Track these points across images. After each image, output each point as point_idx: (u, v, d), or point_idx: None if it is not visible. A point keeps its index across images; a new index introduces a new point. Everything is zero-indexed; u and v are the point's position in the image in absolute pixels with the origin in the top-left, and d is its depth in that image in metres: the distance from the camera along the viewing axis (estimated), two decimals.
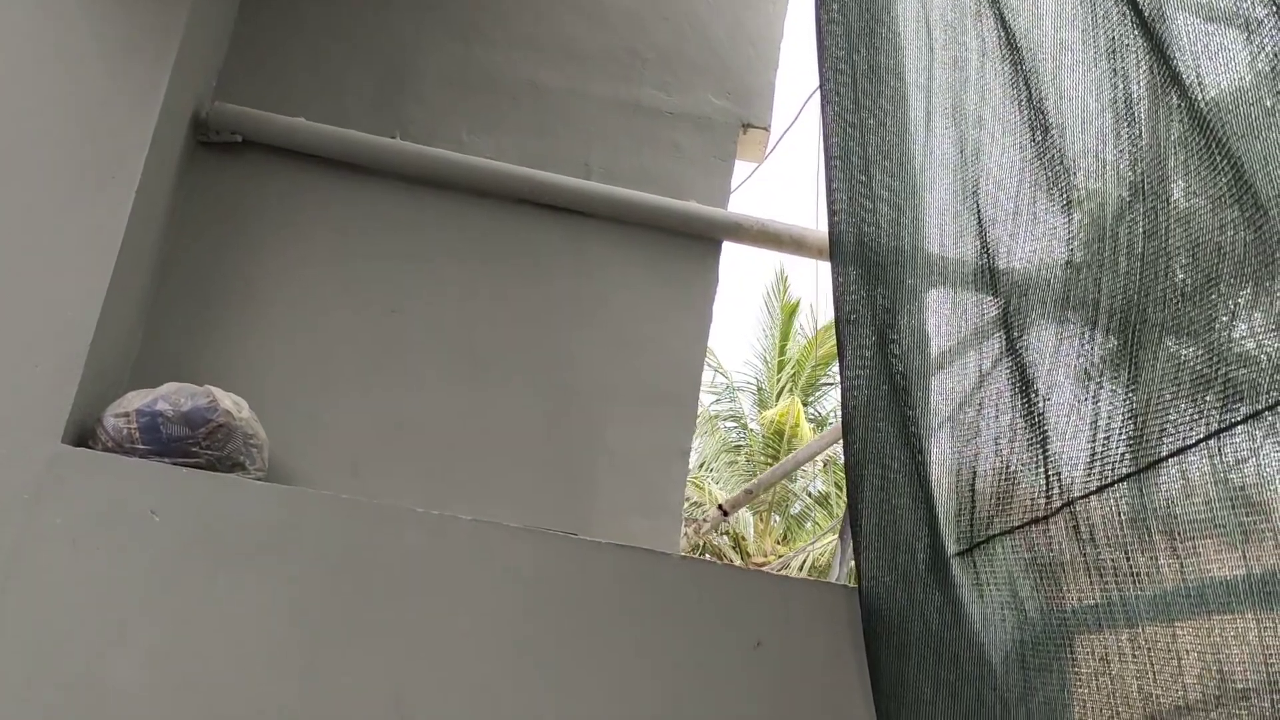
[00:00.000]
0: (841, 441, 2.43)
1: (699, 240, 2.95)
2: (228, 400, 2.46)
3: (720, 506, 3.71)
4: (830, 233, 2.44)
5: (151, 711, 2.16)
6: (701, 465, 17.68)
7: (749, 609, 2.37)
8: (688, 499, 15.03)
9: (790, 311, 18.34)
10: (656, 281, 2.91)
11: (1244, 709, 1.38)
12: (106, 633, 2.19)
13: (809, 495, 17.11)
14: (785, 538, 16.94)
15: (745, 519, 16.45)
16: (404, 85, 3.00)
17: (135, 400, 2.41)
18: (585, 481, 2.76)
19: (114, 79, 2.54)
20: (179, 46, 2.58)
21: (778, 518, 17.25)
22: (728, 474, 17.56)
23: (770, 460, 17.23)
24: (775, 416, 16.89)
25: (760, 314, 18.78)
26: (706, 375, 18.25)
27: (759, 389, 18.49)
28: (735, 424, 18.53)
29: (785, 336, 18.39)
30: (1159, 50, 1.54)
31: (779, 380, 18.04)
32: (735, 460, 17.77)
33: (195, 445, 2.39)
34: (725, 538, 16.26)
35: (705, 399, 18.50)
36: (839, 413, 2.52)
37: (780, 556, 15.31)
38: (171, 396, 2.41)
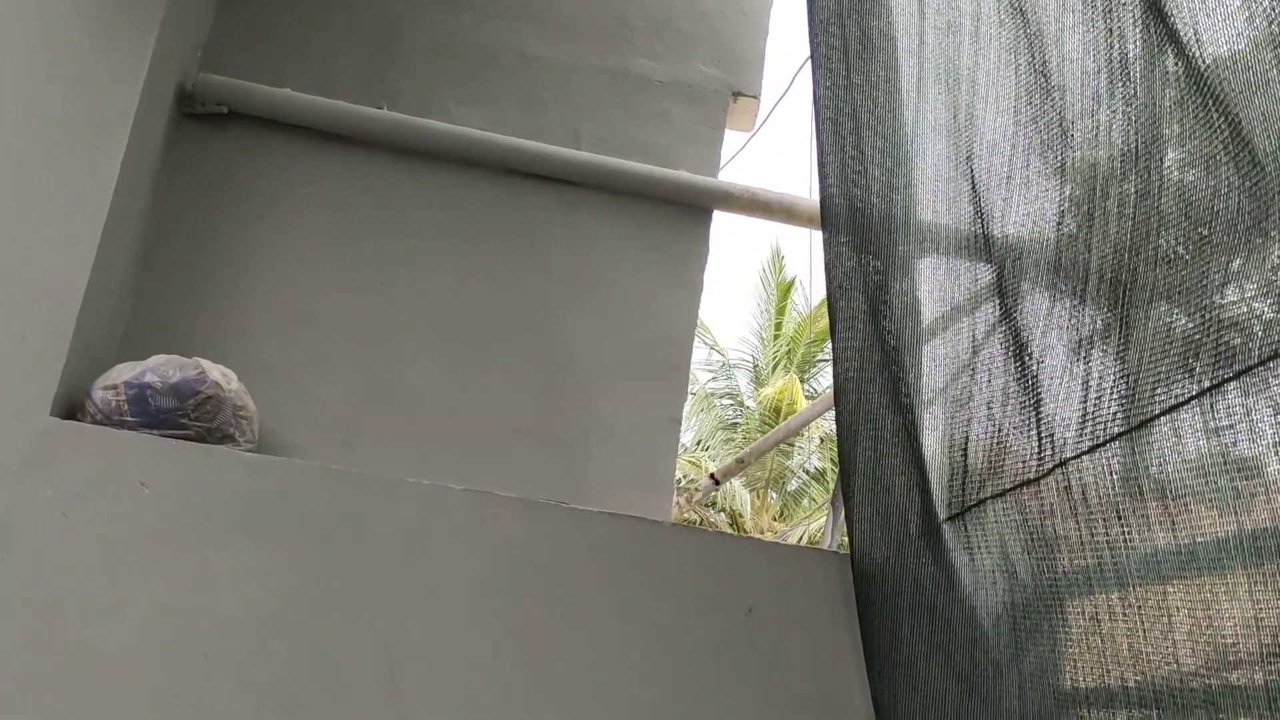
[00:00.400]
0: (833, 409, 2.42)
1: (690, 209, 2.94)
2: (216, 372, 2.45)
3: (712, 475, 3.72)
4: (822, 200, 2.44)
5: (143, 681, 2.17)
6: (698, 443, 17.71)
7: (741, 576, 2.37)
8: (685, 476, 15.08)
9: (786, 289, 18.34)
10: (647, 250, 2.90)
11: (1234, 663, 1.38)
12: (98, 603, 2.19)
13: (805, 472, 17.15)
14: (782, 514, 17.00)
15: (742, 496, 16.50)
16: (392, 56, 2.98)
17: (123, 372, 2.40)
18: (577, 452, 2.76)
19: (97, 51, 2.52)
20: (163, 17, 2.56)
21: (774, 494, 17.30)
22: (724, 451, 17.58)
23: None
24: (773, 394, 16.91)
25: (756, 291, 18.80)
26: (702, 353, 18.27)
27: (755, 366, 18.50)
28: (732, 401, 18.56)
29: (781, 313, 18.39)
30: (1157, 9, 1.52)
31: (775, 357, 18.05)
32: (732, 438, 17.80)
33: (184, 417, 2.38)
34: (722, 514, 16.32)
35: (701, 376, 18.53)
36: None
37: (777, 533, 15.37)
38: (160, 369, 2.40)
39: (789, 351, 17.90)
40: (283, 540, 2.28)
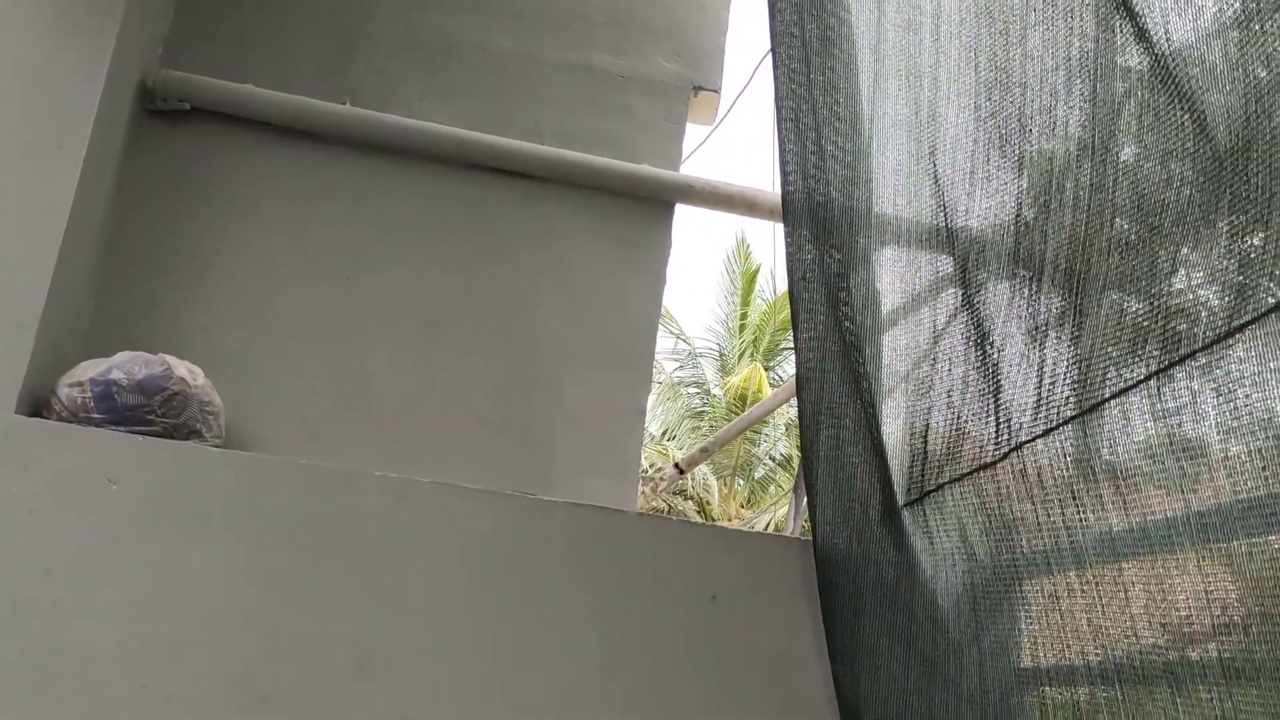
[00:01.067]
0: (795, 398, 2.46)
1: (652, 202, 2.96)
2: (182, 368, 2.45)
3: (676, 464, 3.75)
4: (783, 194, 2.47)
5: (113, 674, 2.17)
6: (664, 433, 17.76)
7: (704, 563, 2.40)
8: (652, 465, 15.12)
9: (751, 277, 18.41)
10: (610, 243, 2.92)
11: (1190, 637, 1.43)
12: (67, 599, 2.19)
13: (772, 459, 17.24)
14: (750, 500, 17.08)
15: (710, 484, 16.57)
16: (354, 51, 2.98)
17: (89, 370, 2.40)
18: (543, 442, 2.78)
19: (58, 48, 2.51)
20: (123, 14, 2.55)
21: (741, 481, 17.38)
22: (691, 439, 17.64)
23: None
24: (738, 382, 16.97)
25: (721, 280, 18.85)
26: (668, 342, 18.31)
27: (721, 355, 18.57)
28: (698, 390, 18.61)
29: (746, 302, 18.45)
30: (1125, 7, 1.56)
31: (740, 345, 18.12)
32: (699, 426, 17.86)
33: (151, 413, 2.38)
34: (690, 502, 16.38)
35: (668, 365, 18.58)
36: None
37: (744, 519, 15.46)
38: (125, 365, 2.40)
39: (755, 340, 17.98)
40: (251, 534, 2.29)
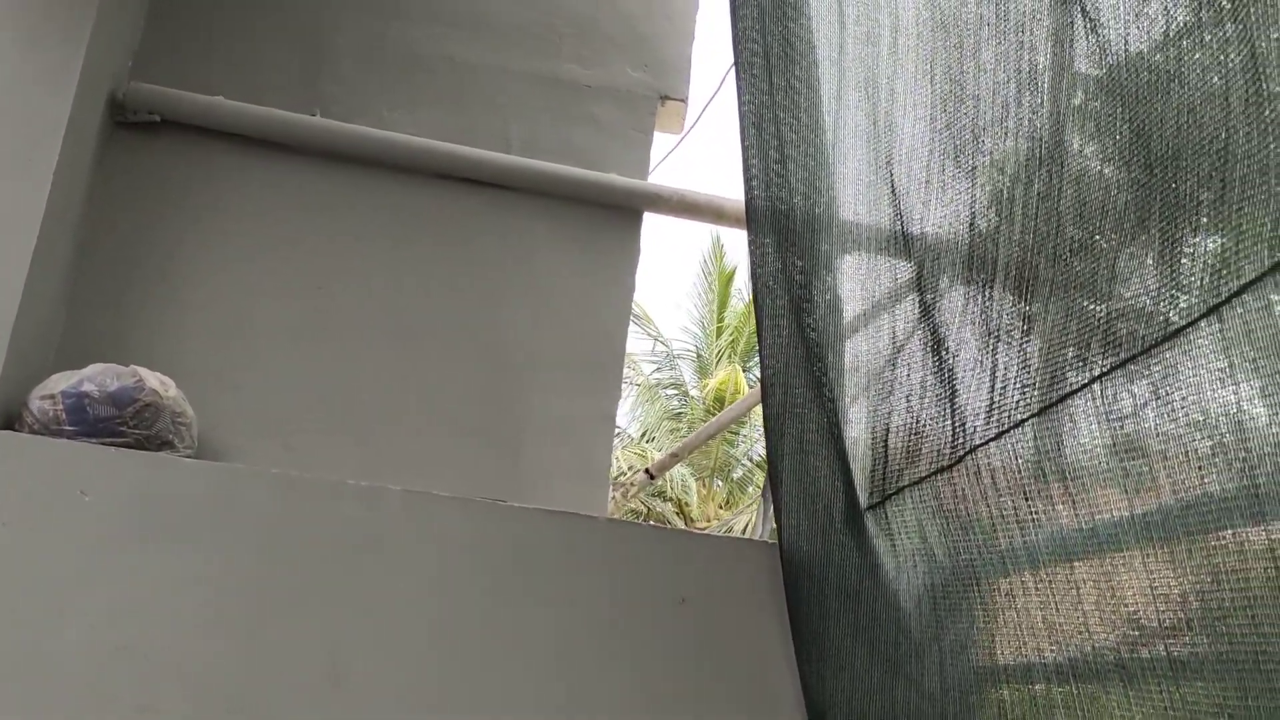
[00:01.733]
0: (761, 403, 2.50)
1: (620, 211, 3.00)
2: (154, 379, 2.47)
3: (646, 470, 3.80)
4: (746, 202, 2.51)
5: (89, 685, 2.19)
6: (643, 435, 17.79)
7: (673, 567, 2.44)
8: (630, 468, 15.13)
9: (727, 279, 18.46)
10: (579, 252, 2.96)
11: (1136, 629, 1.48)
12: (42, 611, 2.21)
13: (750, 460, 17.30)
14: (728, 502, 17.13)
15: (689, 485, 16.61)
16: (322, 63, 3.00)
17: (60, 382, 2.41)
18: (514, 449, 2.81)
19: (27, 61, 2.52)
20: (93, 27, 2.57)
21: (720, 483, 17.43)
22: (670, 441, 17.68)
23: None
24: (716, 384, 17.02)
25: (698, 281, 18.90)
26: (646, 344, 18.34)
27: (699, 356, 18.61)
28: (676, 392, 18.65)
29: (723, 304, 18.51)
30: (1066, 19, 1.61)
31: (718, 347, 18.17)
32: (677, 428, 17.89)
33: (123, 425, 2.40)
34: (669, 504, 16.41)
35: (645, 367, 18.60)
36: None
37: (722, 520, 15.50)
38: (97, 377, 2.42)
39: (732, 342, 18.03)
40: (225, 544, 2.31)
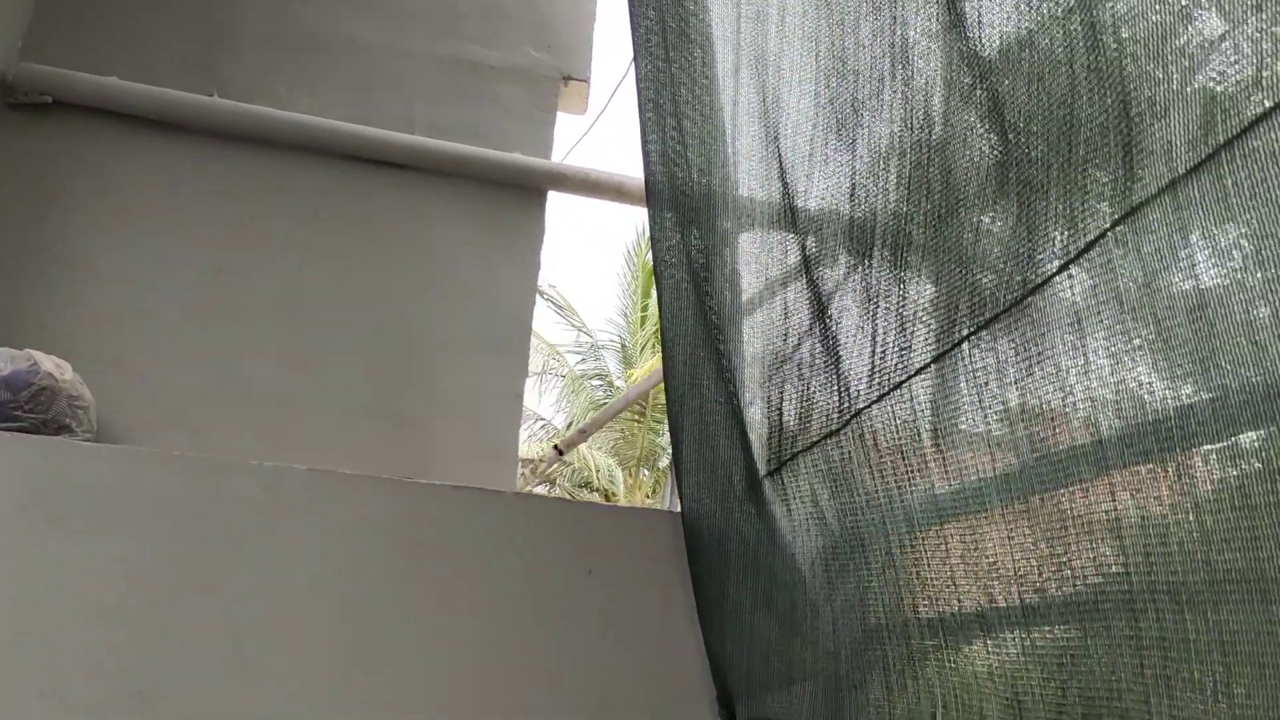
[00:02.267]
0: (663, 377, 2.54)
1: (524, 190, 3.02)
2: (49, 363, 2.44)
3: (556, 447, 3.83)
4: (646, 179, 2.55)
5: None
6: (569, 425, 17.77)
7: (580, 539, 2.47)
8: (546, 453, 15.10)
9: (651, 270, 18.48)
10: (483, 231, 2.97)
11: (996, 580, 1.55)
12: None
13: None
14: (654, 490, 17.20)
15: (615, 475, 16.64)
16: (220, 43, 2.98)
17: None
18: (421, 429, 2.82)
19: None
20: None
21: (646, 471, 17.50)
22: (596, 431, 17.69)
23: (637, 416, 17.44)
24: (641, 375, 17.06)
25: (623, 272, 18.93)
26: (570, 335, 18.32)
27: (623, 347, 18.65)
28: (602, 382, 18.66)
29: (646, 294, 18.54)
30: None
31: (642, 336, 18.22)
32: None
33: (18, 409, 2.37)
34: (596, 494, 16.43)
35: (570, 359, 18.59)
36: None
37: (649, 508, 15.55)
38: None
39: (656, 332, 18.05)
40: (125, 527, 2.29)
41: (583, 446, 17.05)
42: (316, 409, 2.78)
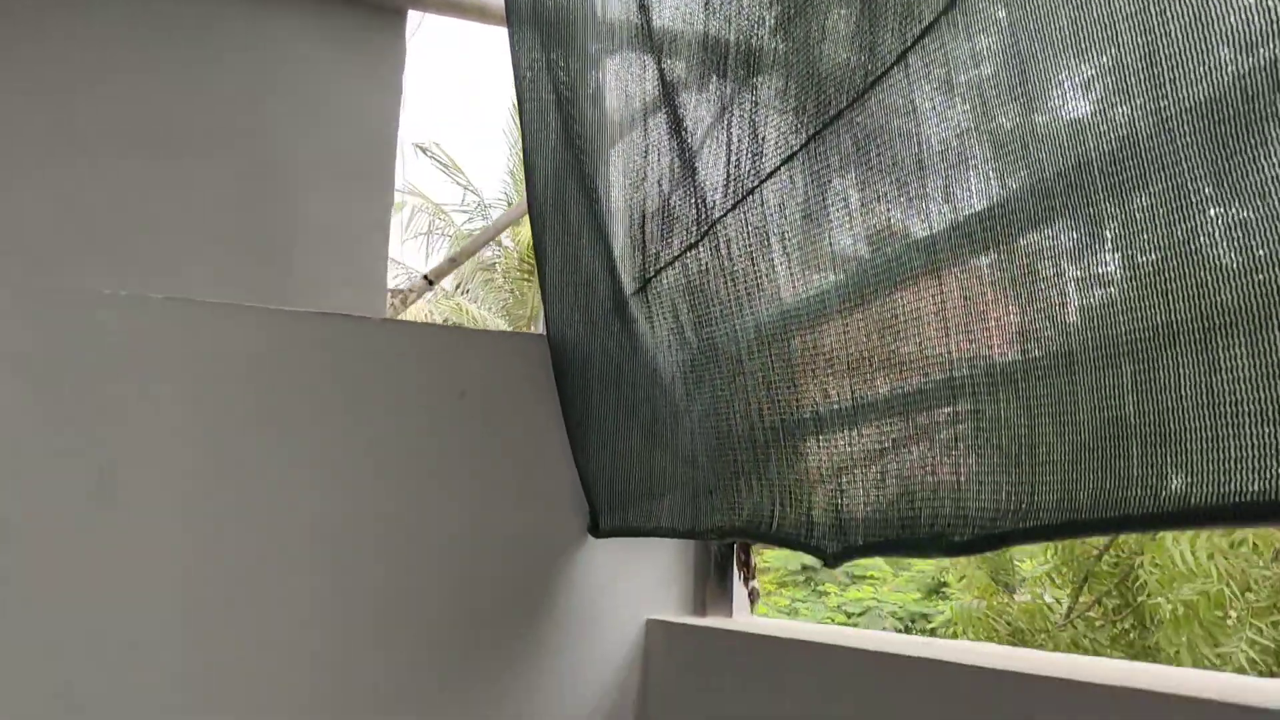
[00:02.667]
0: (526, 198, 2.54)
1: (381, 10, 2.91)
2: None
3: (426, 276, 3.80)
4: None
5: None
6: (458, 286, 17.61)
7: (451, 363, 2.47)
8: (446, 319, 15.01)
9: None
10: (341, 52, 2.88)
11: (831, 377, 1.62)
12: None
13: None
14: None
15: None
16: None
17: None
18: (284, 259, 2.76)
19: None
20: None
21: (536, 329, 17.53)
22: (484, 292, 17.61)
23: (527, 275, 17.36)
24: (529, 233, 16.92)
25: (509, 129, 18.55)
26: (457, 194, 18.03)
27: (510, 205, 18.42)
28: (490, 242, 18.46)
29: None
30: None
31: None
32: (491, 278, 17.83)
33: None
34: None
35: (457, 218, 18.32)
36: None
37: None
38: None
39: None
40: None
41: (473, 307, 16.97)
42: (174, 241, 2.69)
